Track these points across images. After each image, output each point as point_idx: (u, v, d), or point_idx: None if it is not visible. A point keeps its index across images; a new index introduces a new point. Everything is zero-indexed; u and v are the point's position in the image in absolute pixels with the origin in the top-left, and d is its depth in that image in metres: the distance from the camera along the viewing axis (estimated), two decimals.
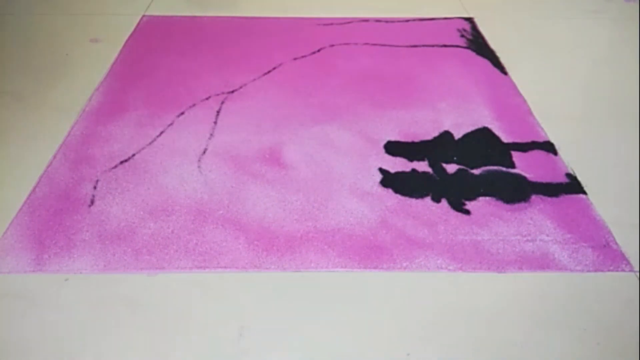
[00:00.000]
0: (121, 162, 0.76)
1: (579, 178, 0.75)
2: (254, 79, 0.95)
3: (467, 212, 0.69)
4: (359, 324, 0.55)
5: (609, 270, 0.62)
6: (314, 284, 0.60)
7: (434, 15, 1.18)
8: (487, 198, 0.71)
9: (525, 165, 0.77)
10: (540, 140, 0.82)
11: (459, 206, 0.70)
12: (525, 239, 0.65)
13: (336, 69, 0.99)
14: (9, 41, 1.08)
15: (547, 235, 0.66)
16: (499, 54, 1.05)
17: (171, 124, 0.84)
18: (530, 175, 0.75)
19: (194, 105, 0.88)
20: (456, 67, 1.01)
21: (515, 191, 0.72)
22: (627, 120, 0.87)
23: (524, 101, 0.91)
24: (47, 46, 1.06)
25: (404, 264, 0.62)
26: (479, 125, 0.85)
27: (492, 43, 1.09)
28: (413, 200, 0.71)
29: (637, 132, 0.84)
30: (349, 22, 1.14)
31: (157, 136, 0.81)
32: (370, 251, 0.63)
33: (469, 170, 0.76)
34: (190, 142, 0.80)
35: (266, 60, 1.00)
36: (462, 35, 1.12)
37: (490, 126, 0.85)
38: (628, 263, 0.63)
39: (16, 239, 0.64)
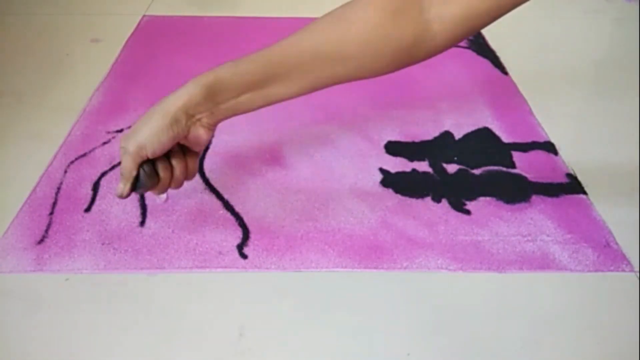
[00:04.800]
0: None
1: (579, 178, 0.75)
2: None
3: (468, 212, 0.69)
4: (359, 324, 0.55)
5: (609, 271, 0.62)
6: (314, 284, 0.60)
7: None
8: (488, 198, 0.71)
9: (525, 165, 0.77)
10: (541, 140, 0.82)
11: (459, 206, 0.70)
12: (525, 239, 0.65)
13: None
14: (9, 41, 1.08)
15: (548, 236, 0.66)
16: (499, 54, 1.05)
17: None
18: (530, 175, 0.75)
19: None
20: (457, 67, 1.01)
21: (516, 191, 0.72)
22: (627, 120, 0.87)
23: (524, 101, 0.91)
24: (47, 46, 1.06)
25: (404, 264, 0.62)
26: (480, 125, 0.85)
27: (493, 43, 1.09)
28: (413, 200, 0.71)
29: (637, 132, 0.84)
30: None
31: None
32: (370, 251, 0.63)
33: (470, 170, 0.76)
34: None
35: None
36: None
37: (490, 126, 0.85)
38: (628, 263, 0.63)
39: (16, 239, 0.64)
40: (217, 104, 0.54)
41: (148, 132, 0.53)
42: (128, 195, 0.55)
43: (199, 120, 0.55)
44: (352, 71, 0.56)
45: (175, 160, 0.57)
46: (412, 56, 0.54)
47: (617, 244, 0.65)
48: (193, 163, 0.59)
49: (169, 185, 0.58)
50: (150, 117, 0.54)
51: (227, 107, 0.55)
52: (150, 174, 0.55)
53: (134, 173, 0.54)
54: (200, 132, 0.55)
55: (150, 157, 0.54)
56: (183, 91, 0.55)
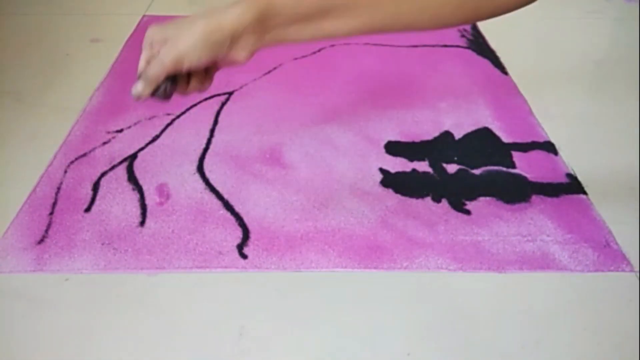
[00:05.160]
0: (121, 162, 0.76)
1: (579, 178, 0.75)
2: (255, 79, 0.95)
3: (468, 212, 0.69)
4: (359, 324, 0.55)
5: (609, 270, 0.62)
6: (314, 284, 0.60)
7: None
8: (488, 198, 0.71)
9: (525, 165, 0.77)
10: (541, 140, 0.82)
11: (459, 206, 0.70)
12: (525, 239, 0.65)
13: (337, 69, 0.99)
14: (9, 41, 1.08)
15: (548, 236, 0.66)
16: (499, 54, 1.05)
17: (171, 124, 0.84)
18: (530, 175, 0.75)
19: (194, 105, 0.88)
20: (457, 67, 1.01)
21: (516, 191, 0.72)
22: (627, 120, 0.87)
23: (524, 101, 0.91)
24: (47, 46, 1.06)
25: (404, 264, 0.62)
26: (480, 125, 0.85)
27: (493, 43, 1.09)
28: (413, 200, 0.71)
29: (637, 132, 0.84)
30: None
31: (157, 136, 0.81)
32: (370, 251, 0.63)
33: (470, 170, 0.76)
34: (190, 142, 0.80)
35: (266, 60, 1.00)
36: (463, 35, 1.12)
37: (490, 126, 0.85)
38: (628, 263, 0.63)
39: (16, 239, 0.64)
40: (264, 31, 0.50)
41: (189, 46, 0.49)
42: (145, 99, 0.51)
43: (241, 44, 0.50)
44: (415, 13, 0.51)
45: (194, 72, 0.52)
46: (478, 10, 0.52)
47: (617, 244, 0.65)
48: (210, 77, 0.54)
49: (180, 94, 0.54)
50: (193, 30, 0.50)
51: (274, 36, 0.51)
52: (171, 88, 0.51)
53: (159, 82, 0.50)
54: (239, 57, 0.51)
55: (181, 71, 0.50)
56: (234, 11, 0.49)
